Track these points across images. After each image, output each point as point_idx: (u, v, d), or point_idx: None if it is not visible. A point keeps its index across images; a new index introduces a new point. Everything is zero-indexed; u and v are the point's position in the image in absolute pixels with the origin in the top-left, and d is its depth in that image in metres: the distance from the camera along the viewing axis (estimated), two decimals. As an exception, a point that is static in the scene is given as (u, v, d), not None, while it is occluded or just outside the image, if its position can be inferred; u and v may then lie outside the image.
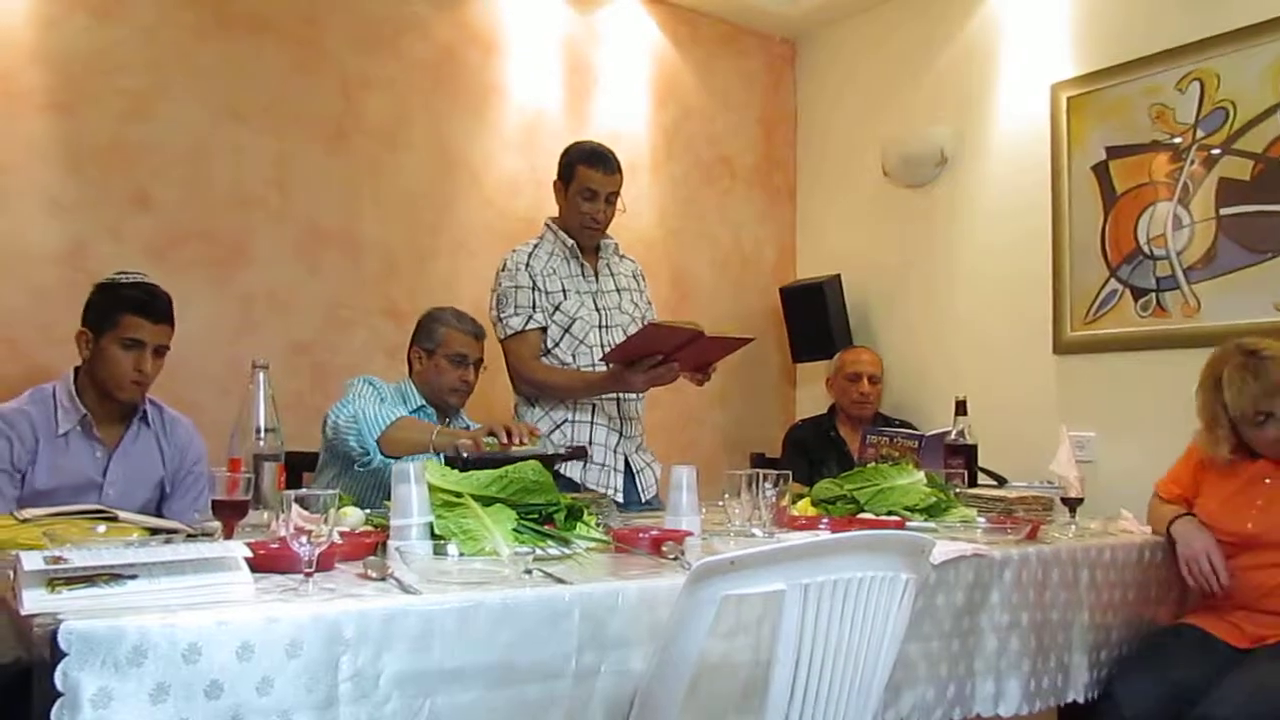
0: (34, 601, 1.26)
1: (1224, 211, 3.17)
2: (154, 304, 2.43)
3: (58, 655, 1.18)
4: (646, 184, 4.20)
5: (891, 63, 4.30)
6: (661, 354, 2.70)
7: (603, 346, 2.93)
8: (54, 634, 1.18)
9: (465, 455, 2.28)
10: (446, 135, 3.79)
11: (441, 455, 2.48)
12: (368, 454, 2.54)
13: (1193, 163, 3.24)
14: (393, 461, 2.54)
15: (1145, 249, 3.36)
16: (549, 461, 2.35)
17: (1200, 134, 3.23)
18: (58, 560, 1.31)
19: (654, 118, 4.32)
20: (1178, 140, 3.29)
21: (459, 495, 1.85)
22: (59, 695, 1.18)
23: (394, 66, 3.68)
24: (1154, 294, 3.34)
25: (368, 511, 2.05)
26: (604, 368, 2.87)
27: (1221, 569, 2.35)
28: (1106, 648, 2.31)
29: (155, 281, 2.50)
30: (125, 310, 2.39)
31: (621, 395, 2.97)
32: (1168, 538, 2.44)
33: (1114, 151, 3.45)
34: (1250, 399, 2.32)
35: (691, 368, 2.79)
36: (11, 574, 1.35)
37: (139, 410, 2.50)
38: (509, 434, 2.35)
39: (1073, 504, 2.50)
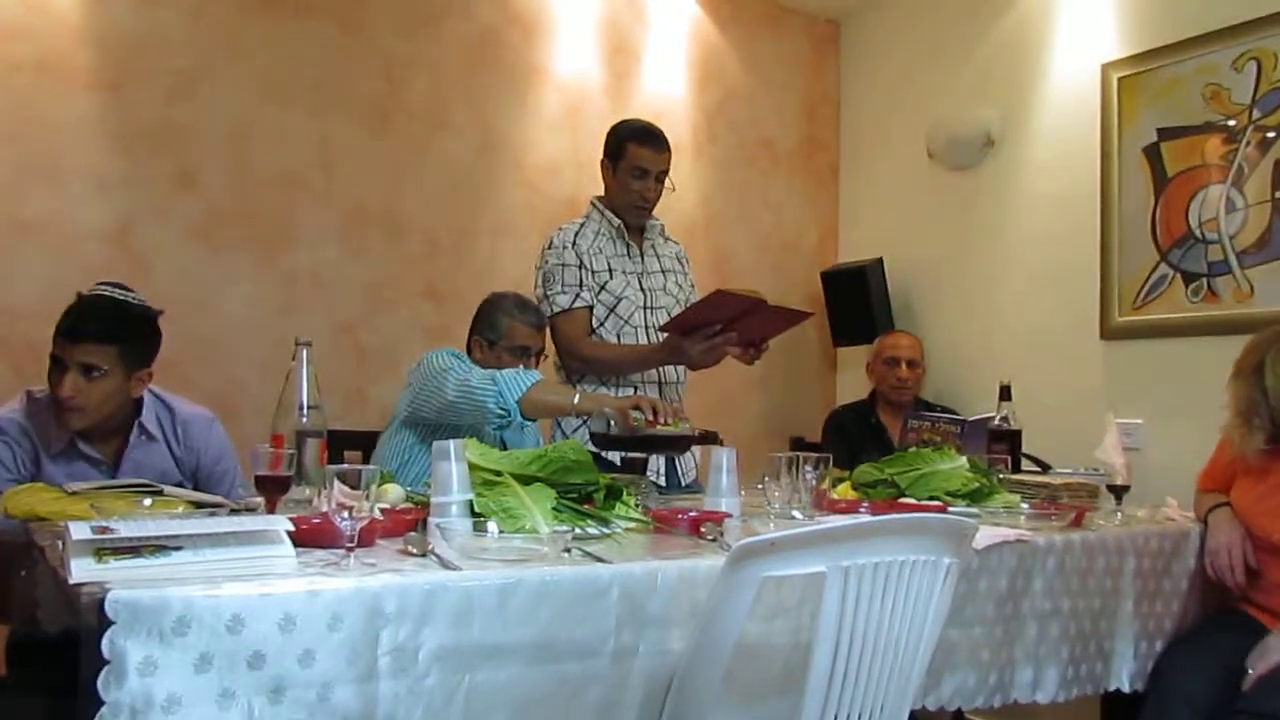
0: (82, 570, 1.28)
1: (1279, 195, 3.09)
2: (73, 323, 2.18)
3: (104, 624, 1.20)
4: (688, 166, 4.17)
5: (937, 43, 4.24)
6: (720, 324, 2.68)
7: (647, 327, 2.92)
8: (101, 603, 1.20)
9: (613, 428, 2.29)
10: (488, 116, 3.80)
11: (588, 427, 2.50)
12: (507, 414, 2.39)
13: (1248, 144, 3.16)
14: (530, 423, 2.55)
15: (1197, 232, 3.29)
16: (686, 444, 2.42)
17: (1256, 115, 3.15)
18: (105, 531, 1.33)
19: (696, 99, 4.29)
20: (1232, 122, 3.21)
21: (499, 474, 1.85)
22: (105, 663, 1.20)
23: (436, 48, 3.69)
24: (1205, 279, 3.27)
25: (409, 489, 2.06)
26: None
27: (1239, 566, 2.32)
28: (1150, 636, 2.28)
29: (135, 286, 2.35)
30: (59, 327, 2.19)
31: (664, 379, 2.96)
32: (1204, 527, 2.41)
33: (1166, 133, 3.38)
34: None
35: (745, 342, 2.76)
36: (60, 543, 1.37)
37: (133, 422, 2.32)
38: (655, 412, 2.32)
39: (1119, 491, 2.46)
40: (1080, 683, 2.15)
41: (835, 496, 2.28)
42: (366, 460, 2.85)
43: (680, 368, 2.99)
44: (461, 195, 3.74)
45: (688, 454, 3.02)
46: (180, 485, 2.27)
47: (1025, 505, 2.30)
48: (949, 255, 4.15)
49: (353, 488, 1.45)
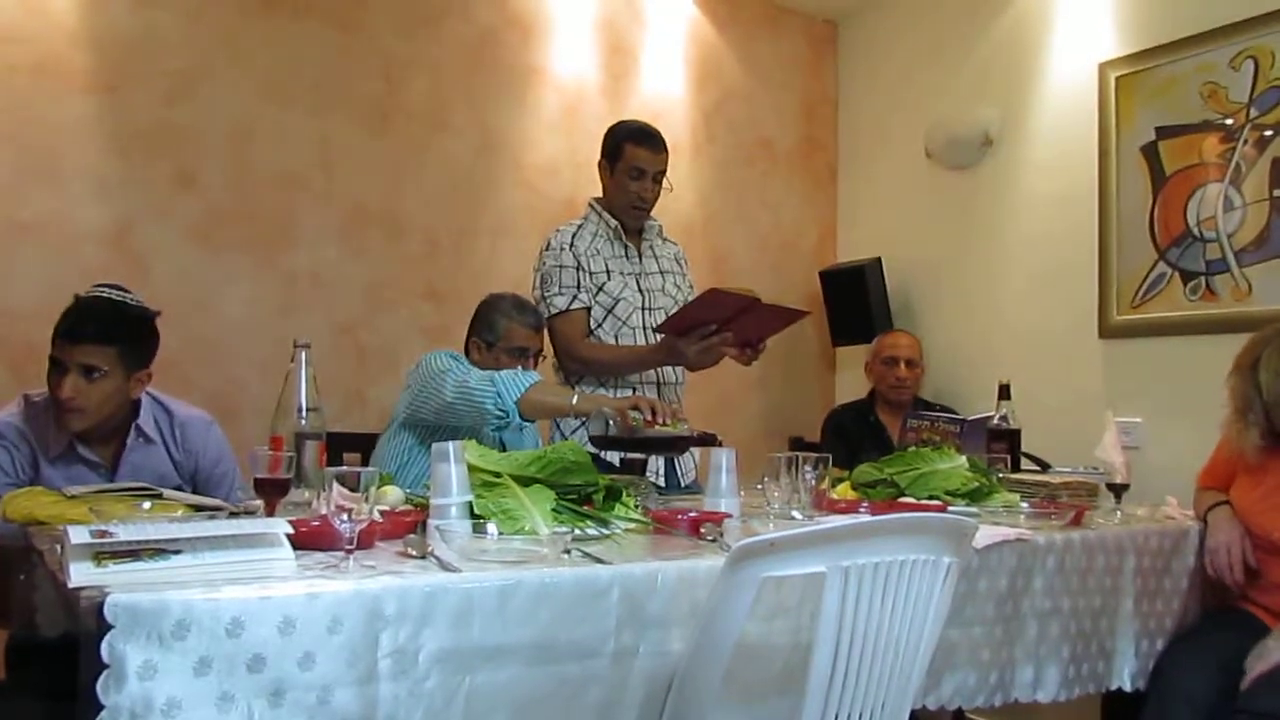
0: (81, 574, 1.28)
1: (1277, 193, 3.09)
2: (72, 324, 2.18)
3: (104, 627, 1.20)
4: (686, 166, 4.17)
5: (935, 43, 4.24)
6: (715, 324, 2.67)
7: (645, 328, 2.92)
8: (100, 606, 1.20)
9: (611, 429, 2.29)
10: (487, 117, 3.80)
11: (587, 427, 2.49)
12: (506, 415, 2.37)
13: (1245, 143, 3.16)
14: (529, 424, 2.54)
15: (1195, 231, 3.29)
16: (685, 445, 2.40)
17: (1254, 113, 3.15)
18: (104, 534, 1.33)
19: (694, 99, 4.29)
20: (1230, 120, 3.21)
21: (498, 475, 1.85)
22: (105, 667, 1.19)
23: (436, 48, 3.69)
24: (1203, 277, 3.27)
25: (408, 491, 2.06)
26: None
27: (1238, 564, 2.32)
28: (1151, 635, 2.28)
29: (134, 287, 2.32)
30: (57, 329, 2.18)
31: (662, 379, 2.96)
32: (1204, 525, 2.42)
33: (1164, 132, 3.38)
34: None
35: (742, 342, 2.76)
36: (59, 548, 1.37)
37: (129, 425, 2.31)
38: (654, 412, 2.31)
39: (1118, 490, 2.46)
40: (1081, 682, 2.15)
41: (835, 496, 2.27)
42: (366, 462, 2.85)
43: (679, 368, 2.99)
44: (461, 195, 3.74)
45: (687, 455, 3.01)
46: (179, 488, 2.26)
47: (1025, 504, 2.30)
48: (948, 255, 4.15)
49: (352, 490, 1.45)
